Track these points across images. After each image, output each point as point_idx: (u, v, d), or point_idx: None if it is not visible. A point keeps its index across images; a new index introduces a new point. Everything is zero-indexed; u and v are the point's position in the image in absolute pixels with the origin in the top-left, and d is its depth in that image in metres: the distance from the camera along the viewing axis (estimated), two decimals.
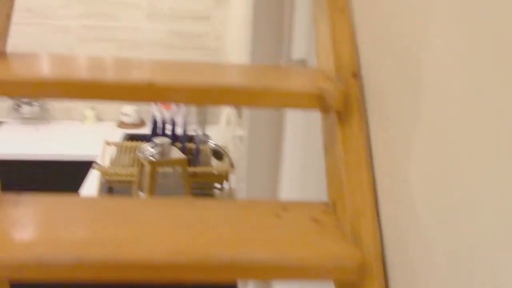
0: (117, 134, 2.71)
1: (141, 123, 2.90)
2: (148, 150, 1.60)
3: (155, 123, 2.02)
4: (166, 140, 1.62)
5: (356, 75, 0.71)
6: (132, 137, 2.68)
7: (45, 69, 0.66)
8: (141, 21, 2.87)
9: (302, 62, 1.09)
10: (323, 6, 0.77)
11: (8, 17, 0.75)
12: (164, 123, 2.03)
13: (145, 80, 0.63)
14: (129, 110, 2.85)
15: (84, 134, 2.70)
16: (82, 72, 0.65)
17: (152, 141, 1.62)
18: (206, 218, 0.64)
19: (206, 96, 0.64)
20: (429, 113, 0.51)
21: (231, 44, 2.36)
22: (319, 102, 0.66)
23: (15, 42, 2.81)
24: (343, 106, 0.67)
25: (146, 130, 2.80)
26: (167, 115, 2.95)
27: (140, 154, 1.60)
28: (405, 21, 0.57)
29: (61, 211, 0.62)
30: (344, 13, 0.75)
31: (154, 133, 2.01)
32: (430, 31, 0.51)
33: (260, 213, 0.67)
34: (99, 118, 2.94)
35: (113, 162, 2.01)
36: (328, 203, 0.71)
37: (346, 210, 0.63)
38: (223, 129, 2.56)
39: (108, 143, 2.02)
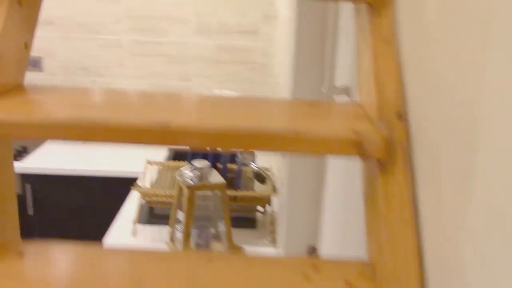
0: (163, 150, 2.69)
1: None
2: (187, 173, 1.55)
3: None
4: (205, 164, 1.56)
5: (402, 115, 0.62)
6: (176, 154, 2.65)
7: (57, 108, 0.61)
8: (189, 36, 2.85)
9: (346, 90, 1.00)
10: (366, 35, 0.68)
11: (27, 47, 0.71)
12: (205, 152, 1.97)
13: (160, 122, 0.56)
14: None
15: (130, 148, 2.70)
16: (95, 112, 0.60)
17: (192, 164, 1.57)
18: (225, 279, 0.57)
19: (229, 142, 0.57)
20: (486, 168, 0.42)
21: (279, 60, 2.29)
22: (357, 149, 0.57)
23: (67, 56, 2.86)
24: (385, 153, 0.58)
25: None
26: None
27: (179, 178, 1.55)
28: (461, 59, 0.48)
29: (66, 267, 0.57)
30: (390, 44, 0.66)
31: (195, 152, 1.96)
32: (488, 76, 0.42)
33: (287, 273, 0.59)
34: None
35: (155, 182, 1.97)
36: (367, 264, 0.62)
37: (386, 277, 0.54)
38: None
39: (150, 163, 1.99)
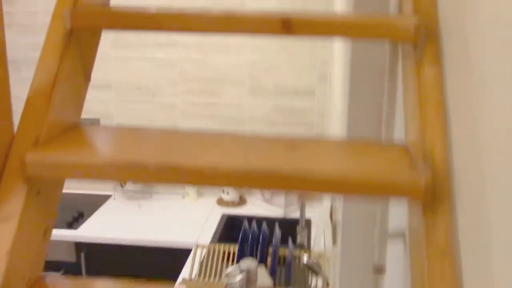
0: (216, 214, 2.65)
1: (241, 202, 2.82)
2: (234, 277, 1.47)
3: (244, 232, 1.90)
4: (252, 265, 1.48)
5: None
6: (229, 220, 2.60)
7: None
8: (243, 98, 2.82)
9: (402, 235, 0.90)
10: (420, 240, 0.58)
11: (46, 234, 0.66)
12: (254, 236, 1.90)
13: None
14: (229, 188, 2.78)
15: (184, 213, 2.68)
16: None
17: (238, 266, 1.50)
18: None
19: None
20: None
21: (334, 125, 2.19)
22: None
23: (124, 118, 2.89)
24: None
25: (245, 209, 2.72)
26: (266, 195, 2.84)
27: (226, 279, 1.48)
28: None
29: None
30: (447, 256, 0.56)
31: (244, 241, 1.89)
32: None
33: None
34: (199, 194, 2.91)
35: (203, 267, 1.91)
36: None
37: None
38: (322, 212, 2.39)
39: (199, 246, 1.94)
